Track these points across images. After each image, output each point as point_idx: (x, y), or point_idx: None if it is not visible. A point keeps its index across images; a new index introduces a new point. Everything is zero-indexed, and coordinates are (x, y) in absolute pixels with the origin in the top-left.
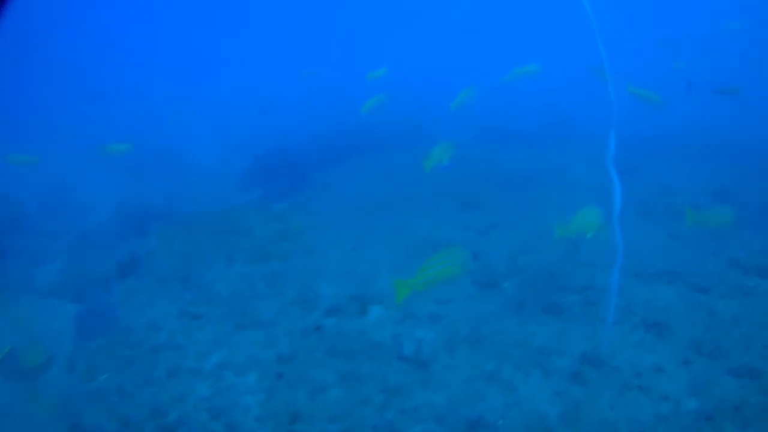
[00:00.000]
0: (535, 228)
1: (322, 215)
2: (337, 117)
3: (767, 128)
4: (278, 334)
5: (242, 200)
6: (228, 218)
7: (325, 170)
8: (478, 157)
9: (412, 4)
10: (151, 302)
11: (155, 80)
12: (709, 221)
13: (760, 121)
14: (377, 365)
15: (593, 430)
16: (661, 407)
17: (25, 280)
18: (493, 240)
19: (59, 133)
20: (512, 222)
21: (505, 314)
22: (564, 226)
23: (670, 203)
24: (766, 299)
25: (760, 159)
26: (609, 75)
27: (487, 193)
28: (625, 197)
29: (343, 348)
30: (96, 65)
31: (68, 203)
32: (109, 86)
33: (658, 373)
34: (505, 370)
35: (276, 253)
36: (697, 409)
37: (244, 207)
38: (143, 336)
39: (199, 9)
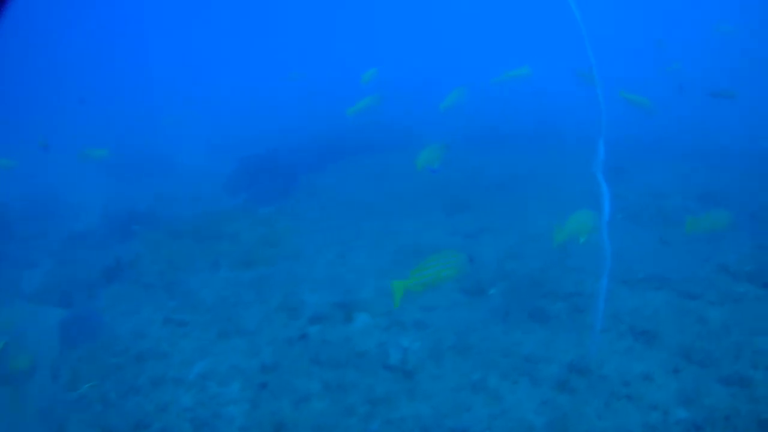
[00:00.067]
0: (523, 232)
1: (309, 220)
2: (327, 119)
3: (758, 130)
4: (262, 343)
5: (229, 204)
6: (214, 222)
7: (313, 173)
8: (467, 159)
9: (406, 7)
10: (136, 309)
11: (143, 83)
12: (706, 227)
13: (751, 123)
14: (362, 374)
15: None
16: (650, 417)
17: (11, 284)
18: (481, 244)
19: (47, 135)
20: (501, 226)
21: (491, 322)
22: (559, 230)
23: (660, 207)
24: (756, 305)
25: (751, 161)
26: (597, 78)
27: (476, 196)
28: (614, 201)
29: (327, 357)
30: (86, 67)
31: (55, 206)
32: (99, 88)
33: (647, 382)
34: (491, 379)
35: (261, 259)
36: (686, 418)
37: (231, 211)
38: (128, 343)
39: (190, 12)
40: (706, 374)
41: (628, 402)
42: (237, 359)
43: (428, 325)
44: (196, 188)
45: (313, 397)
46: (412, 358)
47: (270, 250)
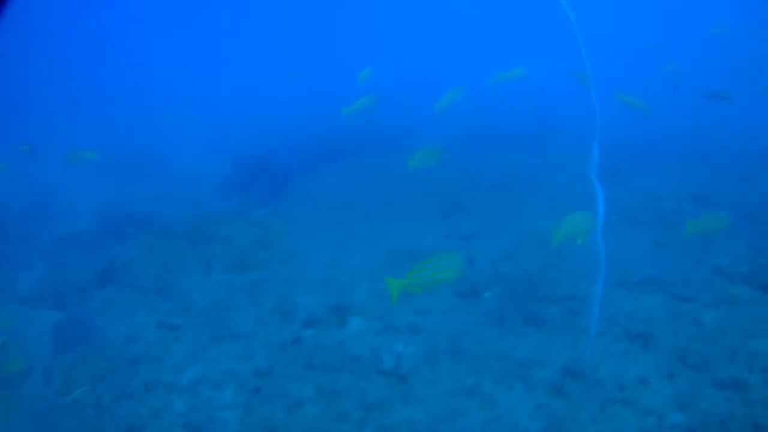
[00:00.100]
0: (519, 235)
1: (303, 222)
2: (326, 119)
3: (753, 131)
4: (256, 347)
5: (222, 206)
6: (207, 225)
7: (307, 174)
8: (464, 160)
9: (406, 8)
10: (129, 312)
11: (143, 83)
12: (706, 229)
13: (746, 124)
14: (356, 379)
15: None
16: (645, 422)
17: (5, 286)
18: (476, 247)
19: (41, 135)
20: (495, 228)
21: (486, 325)
22: (558, 232)
23: (656, 209)
24: (751, 308)
25: (748, 161)
26: (592, 80)
27: (470, 198)
28: (610, 203)
29: (321, 361)
30: (86, 67)
31: (49, 208)
32: (99, 88)
33: (642, 386)
34: (485, 383)
35: (255, 262)
36: (682, 423)
37: (224, 213)
38: (121, 347)
39: (190, 12)
40: (702, 378)
41: (624, 406)
42: (230, 363)
43: (422, 329)
44: (193, 189)
45: (307, 402)
46: (406, 363)
47: (263, 252)
